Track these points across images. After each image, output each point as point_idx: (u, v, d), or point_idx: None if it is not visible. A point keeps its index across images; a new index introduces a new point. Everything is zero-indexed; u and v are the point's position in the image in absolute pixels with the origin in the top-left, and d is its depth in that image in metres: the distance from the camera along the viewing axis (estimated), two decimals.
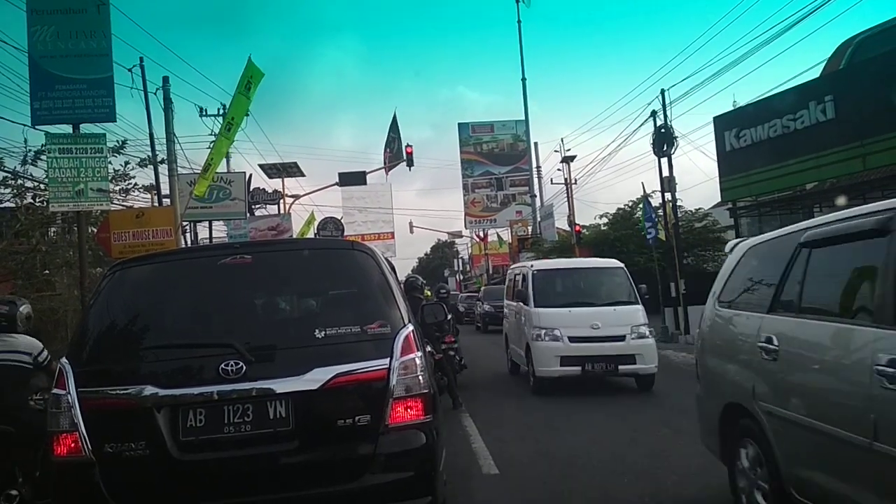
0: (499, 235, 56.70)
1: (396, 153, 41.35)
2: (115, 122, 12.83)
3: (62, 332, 13.72)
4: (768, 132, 18.23)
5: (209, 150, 15.62)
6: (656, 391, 11.43)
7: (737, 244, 5.62)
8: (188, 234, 24.49)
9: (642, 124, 25.63)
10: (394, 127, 43.35)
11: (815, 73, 20.27)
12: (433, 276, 70.79)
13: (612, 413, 9.85)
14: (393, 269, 5.30)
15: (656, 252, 22.76)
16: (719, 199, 24.46)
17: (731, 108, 23.30)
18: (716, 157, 20.42)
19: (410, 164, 34.79)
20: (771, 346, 4.36)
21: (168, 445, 3.71)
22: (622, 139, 48.82)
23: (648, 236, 22.69)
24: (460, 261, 79.45)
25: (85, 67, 12.03)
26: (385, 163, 41.14)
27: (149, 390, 3.77)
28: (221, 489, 3.74)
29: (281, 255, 4.77)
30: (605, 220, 35.80)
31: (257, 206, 33.41)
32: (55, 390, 3.89)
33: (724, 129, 19.75)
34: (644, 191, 24.85)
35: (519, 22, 50.33)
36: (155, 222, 13.80)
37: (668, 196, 22.91)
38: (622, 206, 34.81)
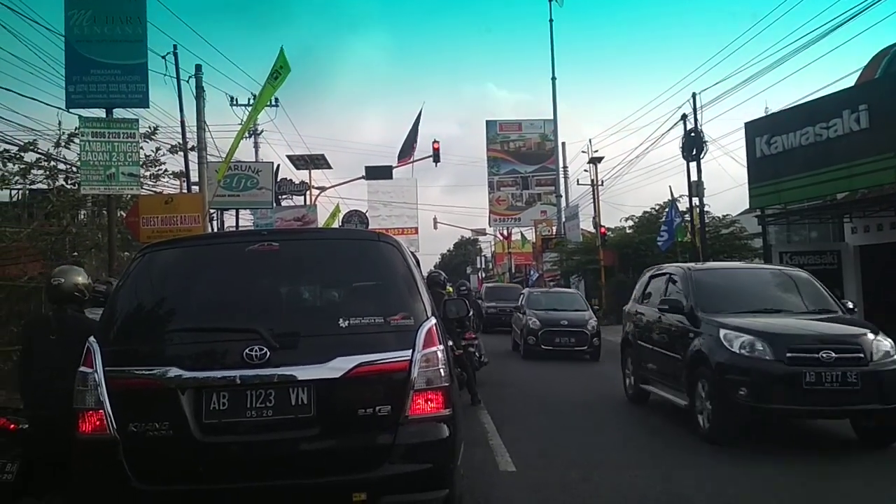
0: (522, 234, 56.55)
1: (405, 149, 41.31)
2: (148, 107, 13.02)
3: None
4: (800, 140, 17.99)
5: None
6: None
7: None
8: (215, 222, 24.71)
9: (672, 128, 25.45)
10: (416, 123, 43.30)
11: (850, 82, 20.00)
12: (455, 273, 70.77)
13: (631, 415, 9.81)
14: (418, 262, 5.31)
15: (681, 257, 22.61)
16: (747, 206, 24.20)
17: (763, 115, 23.06)
18: (745, 164, 20.22)
19: (437, 160, 34.80)
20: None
21: (191, 427, 3.76)
22: (651, 142, 48.41)
23: (659, 241, 22.52)
24: (483, 258, 79.37)
25: (120, 53, 12.20)
26: (406, 157, 41.01)
27: (174, 372, 3.82)
28: (242, 472, 3.79)
29: (308, 243, 4.81)
30: (630, 223, 35.57)
31: (284, 196, 33.59)
32: (82, 368, 3.94)
33: (755, 136, 19.53)
34: (672, 195, 24.64)
35: (551, 21, 49.70)
36: (183, 208, 13.94)
37: (695, 201, 22.74)
38: (648, 210, 34.58)
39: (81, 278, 5.27)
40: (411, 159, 40.64)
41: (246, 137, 19.43)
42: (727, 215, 32.33)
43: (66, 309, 5.12)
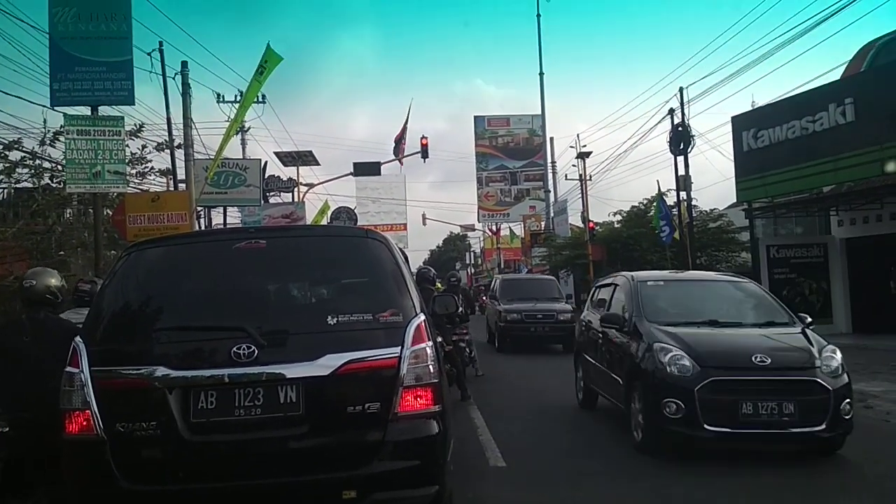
0: (511, 230, 56.61)
1: (399, 145, 41.12)
2: (134, 105, 12.96)
3: None
4: (786, 133, 18.11)
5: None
6: None
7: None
8: (202, 220, 24.60)
9: (659, 122, 25.52)
10: (406, 122, 43.21)
11: (836, 75, 20.12)
12: (445, 269, 70.78)
13: (620, 412, 9.82)
14: (406, 259, 5.30)
15: (669, 251, 22.70)
16: (735, 200, 24.32)
17: (750, 108, 23.17)
18: (733, 158, 20.31)
19: (425, 155, 34.75)
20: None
21: (179, 426, 3.74)
22: (639, 136, 48.65)
23: (662, 234, 22.56)
24: (472, 254, 79.44)
25: (105, 50, 12.13)
26: (398, 154, 40.95)
27: (161, 371, 3.79)
28: (231, 471, 3.77)
29: (295, 240, 4.79)
30: (618, 217, 35.65)
31: (272, 193, 33.47)
32: (68, 368, 3.91)
33: (742, 129, 19.64)
34: (659, 189, 24.69)
35: (538, 16, 50.01)
36: (170, 206, 13.86)
37: (683, 195, 22.83)
38: (636, 204, 34.66)
39: (55, 280, 5.21)
40: (401, 155, 40.55)
41: (234, 135, 19.33)
42: (714, 209, 32.47)
43: (39, 311, 5.06)
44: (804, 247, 20.57)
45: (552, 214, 45.64)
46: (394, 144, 41.49)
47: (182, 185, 18.10)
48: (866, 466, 6.72)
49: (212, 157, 19.58)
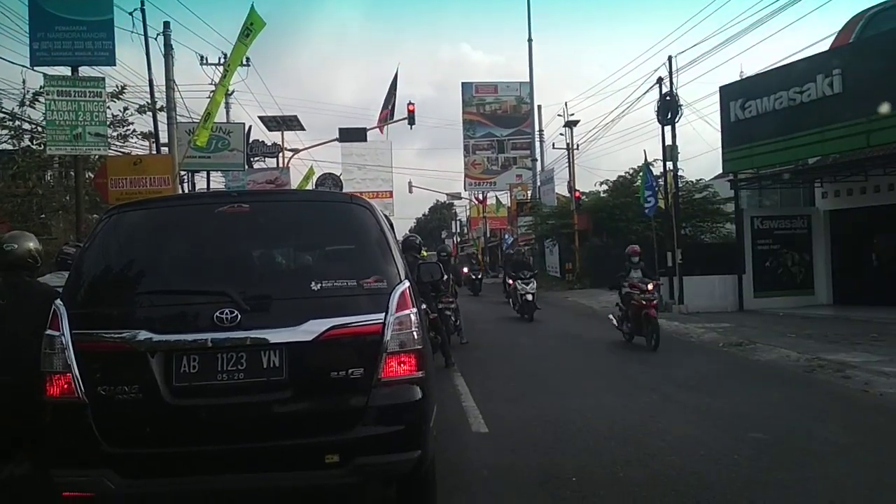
0: (497, 199, 56.55)
1: (391, 111, 40.66)
2: (115, 66, 12.79)
3: None
4: (774, 104, 18.07)
5: (208, 99, 15.55)
6: (649, 360, 11.46)
7: None
8: (185, 184, 24.38)
9: (647, 91, 25.40)
10: (394, 85, 42.71)
11: (825, 46, 20.06)
12: (431, 238, 70.89)
13: (605, 378, 9.92)
14: (392, 226, 5.27)
15: (654, 221, 22.73)
16: (721, 171, 24.34)
17: (738, 78, 23.10)
18: (720, 128, 20.28)
19: (412, 122, 34.50)
20: None
21: (161, 390, 3.72)
22: (626, 105, 48.34)
23: (647, 205, 22.55)
24: (458, 223, 79.38)
25: (85, 8, 11.92)
26: (380, 120, 40.52)
27: (143, 335, 3.77)
28: (213, 435, 3.76)
29: (279, 205, 4.73)
30: (605, 187, 35.68)
31: (256, 158, 33.21)
32: (49, 331, 3.88)
33: (730, 100, 19.58)
34: (646, 158, 24.66)
35: None
36: (152, 170, 13.74)
37: (669, 165, 22.78)
38: (623, 174, 34.68)
39: (33, 244, 5.13)
40: (382, 123, 40.18)
41: (222, 100, 19.07)
42: (700, 180, 32.54)
43: (17, 275, 4.99)
44: (788, 218, 20.66)
45: (539, 183, 45.56)
46: (386, 112, 40.95)
47: (165, 149, 17.89)
48: (842, 436, 6.81)
49: (195, 120, 19.35)
